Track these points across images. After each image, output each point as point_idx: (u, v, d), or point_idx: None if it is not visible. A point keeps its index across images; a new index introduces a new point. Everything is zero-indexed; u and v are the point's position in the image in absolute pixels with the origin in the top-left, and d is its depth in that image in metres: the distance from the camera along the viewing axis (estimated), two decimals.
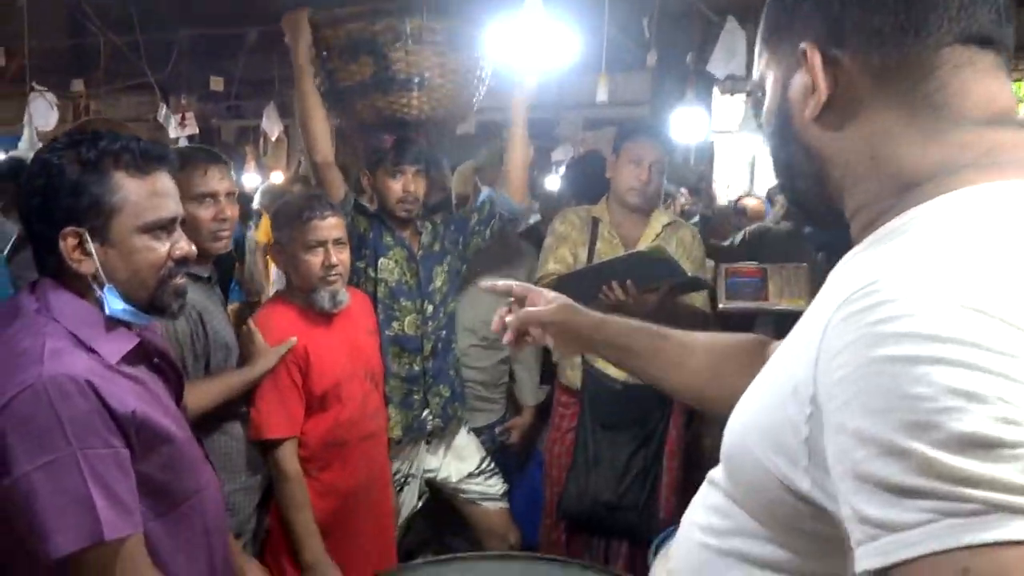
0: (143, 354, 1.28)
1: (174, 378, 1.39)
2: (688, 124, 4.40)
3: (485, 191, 2.53)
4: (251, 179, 7.16)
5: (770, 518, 0.68)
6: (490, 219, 2.47)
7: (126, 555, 1.13)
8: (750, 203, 5.41)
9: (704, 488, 0.81)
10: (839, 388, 0.55)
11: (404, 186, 2.28)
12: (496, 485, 2.52)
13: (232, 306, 2.30)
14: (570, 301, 1.23)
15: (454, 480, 2.46)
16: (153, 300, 1.25)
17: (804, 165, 0.74)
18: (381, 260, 2.30)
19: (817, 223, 0.87)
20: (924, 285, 0.54)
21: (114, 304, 1.20)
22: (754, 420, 0.69)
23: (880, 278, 0.56)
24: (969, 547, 0.47)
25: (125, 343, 1.23)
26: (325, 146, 2.29)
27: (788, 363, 0.66)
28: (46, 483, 1.07)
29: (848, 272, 0.65)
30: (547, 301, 1.22)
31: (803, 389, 0.60)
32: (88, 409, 1.11)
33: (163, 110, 5.85)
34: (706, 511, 0.78)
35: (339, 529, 1.96)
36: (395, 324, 2.29)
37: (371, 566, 1.99)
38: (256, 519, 1.94)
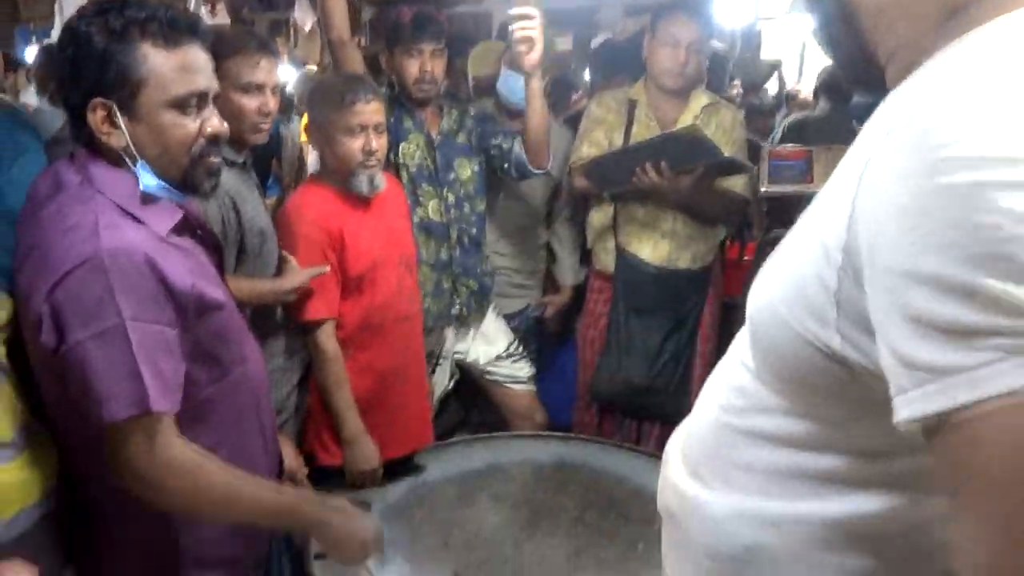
0: (187, 226, 1.30)
1: (215, 252, 1.41)
2: (733, 6, 4.19)
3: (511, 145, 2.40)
4: (283, 72, 7.04)
5: (794, 386, 0.66)
6: (506, 158, 2.38)
7: (164, 430, 1.17)
8: (799, 92, 5.20)
9: (727, 366, 0.80)
10: (889, 226, 0.50)
11: (421, 65, 2.22)
12: (523, 368, 2.56)
13: (270, 200, 2.31)
14: None
15: (482, 362, 2.51)
16: (185, 178, 1.25)
17: (838, 17, 0.70)
18: (402, 145, 2.27)
19: (857, 83, 0.82)
20: (983, 105, 0.48)
21: (147, 180, 1.20)
22: (782, 282, 0.66)
23: (928, 103, 0.51)
24: None
25: (172, 215, 1.25)
26: (341, 23, 2.21)
27: (817, 220, 0.62)
28: (97, 352, 1.11)
29: (885, 112, 0.60)
30: None
31: (834, 240, 0.57)
32: (144, 283, 1.14)
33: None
34: (728, 390, 0.77)
35: (377, 407, 2.01)
36: (420, 210, 2.29)
37: (408, 443, 2.06)
38: (296, 397, 2.01)
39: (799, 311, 0.62)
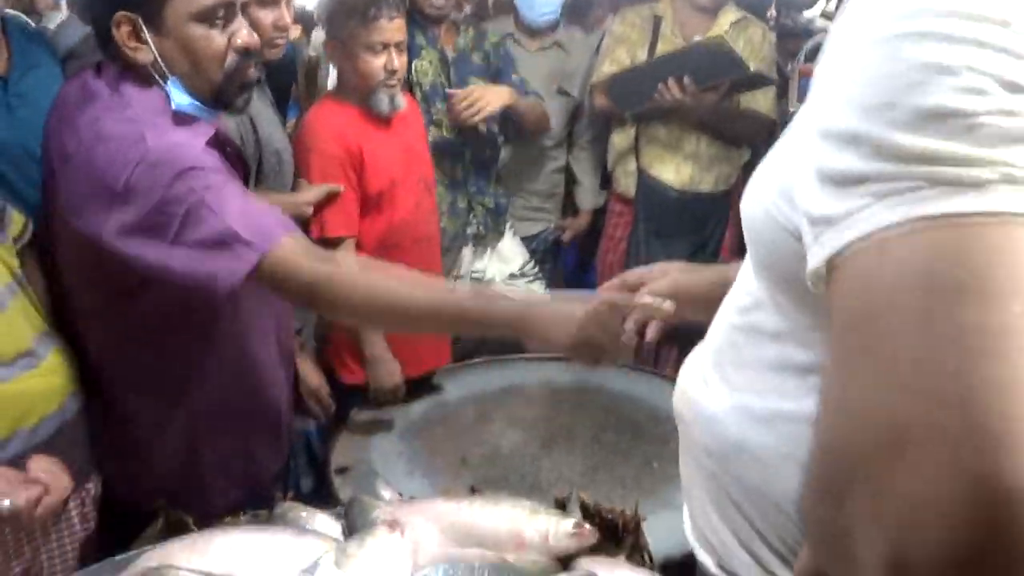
0: (217, 143, 1.28)
1: (242, 169, 1.40)
2: None
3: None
4: None
5: (780, 278, 0.65)
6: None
7: (288, 260, 1.14)
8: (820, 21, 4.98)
9: (743, 271, 0.79)
10: (818, 89, 0.50)
11: None
12: (537, 291, 2.56)
13: (290, 123, 2.28)
14: (679, 265, 1.10)
15: (497, 281, 2.51)
16: (219, 94, 1.23)
17: None
18: (415, 62, 2.23)
19: None
20: None
21: (178, 98, 1.19)
22: (769, 175, 0.66)
23: None
24: (898, 224, 0.42)
25: (205, 132, 1.23)
26: None
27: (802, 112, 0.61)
28: (192, 238, 1.11)
29: None
30: (659, 275, 1.09)
31: (802, 122, 0.56)
32: (201, 161, 1.14)
33: None
34: (741, 293, 0.76)
35: None
36: (433, 128, 2.26)
37: (427, 363, 2.08)
38: (316, 316, 2.03)
39: (778, 198, 0.60)
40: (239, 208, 1.14)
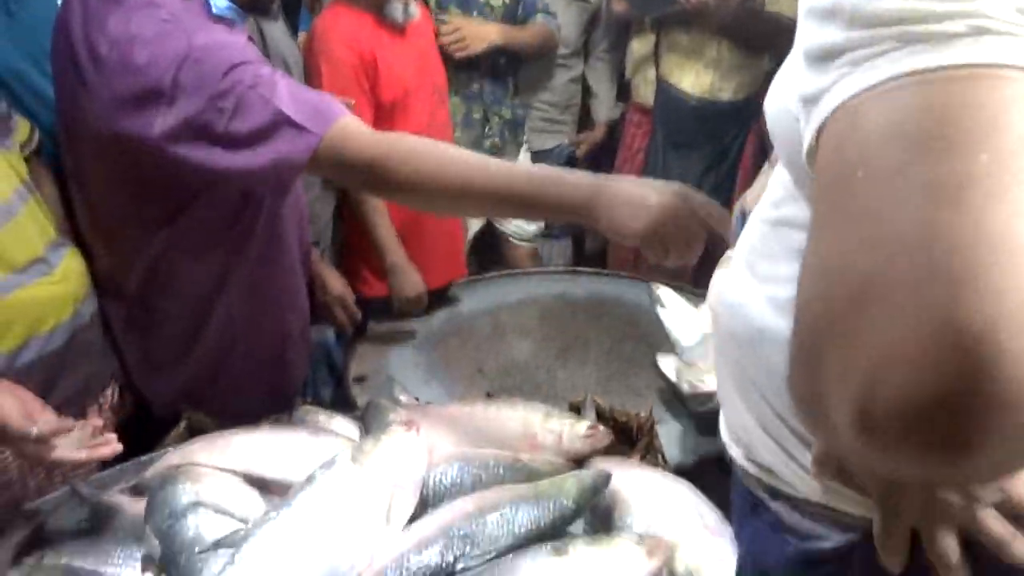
0: None
1: None
2: None
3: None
4: None
5: (800, 171, 0.62)
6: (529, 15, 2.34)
7: (345, 138, 1.12)
8: None
9: (777, 167, 0.77)
10: None
11: None
12: (530, 225, 2.54)
13: (302, 35, 2.23)
14: None
15: None
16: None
17: None
18: None
19: None
20: None
21: (219, 1, 1.16)
22: (787, 71, 0.64)
23: None
24: (869, 88, 0.41)
25: (242, 32, 1.22)
26: None
27: None
28: (246, 132, 1.09)
29: None
30: None
31: None
32: (247, 55, 1.11)
33: None
34: (776, 186, 0.74)
35: (412, 239, 2.01)
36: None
37: (444, 275, 2.07)
38: (332, 228, 2.02)
39: (790, 89, 0.58)
40: (290, 94, 1.11)
